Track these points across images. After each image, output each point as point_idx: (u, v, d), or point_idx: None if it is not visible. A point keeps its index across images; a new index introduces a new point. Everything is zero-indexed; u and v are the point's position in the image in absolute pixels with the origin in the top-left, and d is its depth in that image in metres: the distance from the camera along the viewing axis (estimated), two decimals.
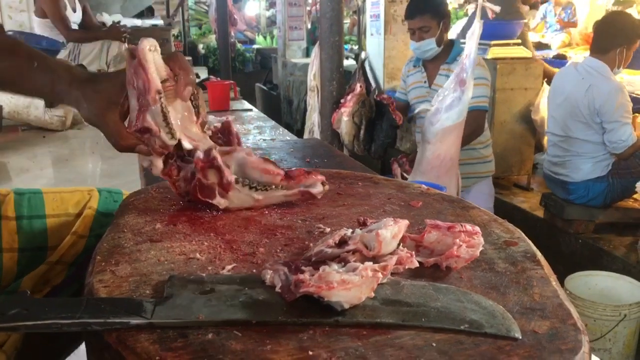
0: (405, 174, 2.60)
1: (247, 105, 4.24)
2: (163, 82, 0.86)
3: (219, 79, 5.25)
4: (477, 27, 2.29)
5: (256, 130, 3.23)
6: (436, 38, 2.94)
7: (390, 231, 0.66)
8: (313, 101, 3.82)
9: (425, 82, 3.09)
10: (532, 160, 4.49)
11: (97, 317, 0.57)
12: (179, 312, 0.58)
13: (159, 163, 0.88)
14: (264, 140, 2.88)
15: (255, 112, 3.93)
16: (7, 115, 3.88)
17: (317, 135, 3.69)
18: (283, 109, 7.94)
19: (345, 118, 2.74)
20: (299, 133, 5.81)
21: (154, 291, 0.63)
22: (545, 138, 4.08)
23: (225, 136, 0.97)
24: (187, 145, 0.87)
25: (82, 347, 1.00)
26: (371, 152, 2.72)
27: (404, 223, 0.69)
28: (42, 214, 0.98)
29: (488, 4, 2.27)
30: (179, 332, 0.56)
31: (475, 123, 2.87)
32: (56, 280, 0.95)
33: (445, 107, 2.29)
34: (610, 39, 3.23)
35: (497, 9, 2.33)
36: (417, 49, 3.01)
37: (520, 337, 0.57)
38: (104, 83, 0.90)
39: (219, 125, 0.98)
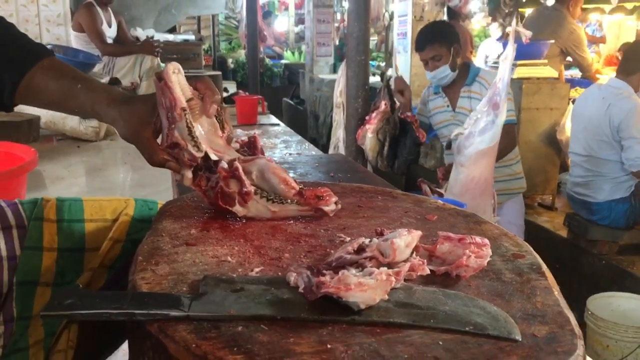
0: (436, 188, 2.65)
1: (274, 119, 4.34)
2: (188, 100, 0.96)
3: (247, 93, 5.38)
4: (510, 51, 2.34)
5: (283, 144, 3.32)
6: (449, 64, 3.01)
7: (404, 240, 0.73)
8: (339, 117, 3.90)
9: (448, 106, 3.16)
10: (556, 180, 4.49)
11: (141, 308, 0.64)
12: (212, 307, 0.65)
13: (188, 175, 0.97)
14: (290, 154, 2.97)
15: (282, 126, 4.03)
16: (43, 126, 4.04)
17: (341, 150, 3.77)
18: (309, 124, 8.04)
19: (369, 135, 2.81)
20: (325, 148, 5.90)
21: (190, 288, 0.71)
22: (570, 158, 4.10)
23: (250, 150, 1.05)
24: (212, 156, 0.96)
25: (121, 348, 1.08)
26: (394, 168, 2.78)
27: (417, 234, 0.76)
28: (81, 218, 1.06)
29: (521, 29, 2.32)
30: (212, 324, 0.63)
31: (507, 137, 2.91)
32: (98, 284, 1.03)
33: (479, 130, 2.34)
34: (635, 62, 3.25)
35: (529, 34, 2.39)
36: (433, 77, 3.09)
37: (520, 339, 0.63)
38: (138, 104, 1.00)
39: (245, 138, 1.06)
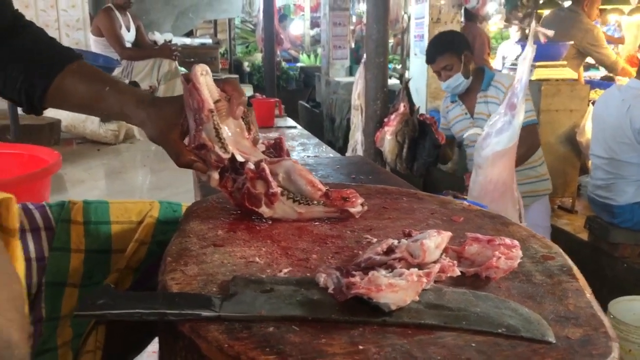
0: (462, 196, 2.63)
1: (291, 122, 4.35)
2: (216, 102, 0.96)
3: (264, 96, 5.39)
4: (529, 52, 2.30)
5: (300, 147, 3.32)
6: (462, 72, 3.00)
7: (434, 241, 0.72)
8: (357, 120, 3.90)
9: (466, 113, 3.15)
10: (576, 183, 4.45)
11: (172, 308, 0.64)
12: (243, 308, 0.65)
13: (215, 176, 0.97)
14: (308, 156, 2.97)
15: (299, 129, 4.04)
16: (64, 129, 4.09)
17: (359, 153, 3.77)
18: (325, 127, 8.04)
19: (388, 137, 2.81)
20: (341, 151, 5.89)
21: (220, 289, 0.71)
22: (590, 160, 4.06)
23: (276, 151, 1.05)
24: (239, 158, 0.96)
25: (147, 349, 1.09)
26: (413, 170, 2.78)
27: (446, 234, 0.75)
28: (107, 220, 1.07)
29: (541, 29, 2.28)
30: (243, 325, 0.63)
31: (530, 138, 2.89)
32: (124, 286, 1.04)
33: (496, 131, 2.31)
34: None
35: (550, 33, 2.35)
36: (447, 87, 3.08)
37: (554, 342, 0.62)
38: (165, 106, 1.01)
39: (272, 140, 1.06)
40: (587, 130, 4.16)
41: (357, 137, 3.87)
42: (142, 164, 3.70)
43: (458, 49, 3.02)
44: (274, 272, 0.76)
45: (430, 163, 2.74)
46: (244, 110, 0.98)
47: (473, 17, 6.00)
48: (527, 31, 6.41)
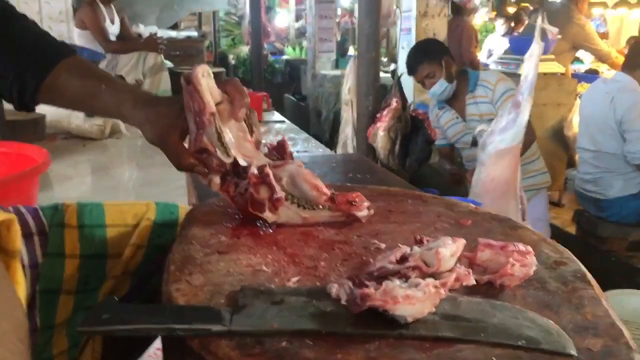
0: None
1: (278, 116, 4.32)
2: (217, 104, 0.93)
3: (250, 90, 5.35)
4: (536, 49, 2.28)
5: (289, 142, 3.29)
6: (445, 77, 2.99)
7: (450, 250, 0.70)
8: (347, 115, 3.89)
9: (457, 117, 3.13)
10: (564, 176, 4.48)
11: (181, 323, 0.61)
12: (254, 321, 0.63)
13: (216, 180, 0.94)
14: (297, 152, 2.94)
15: (287, 123, 4.02)
16: (48, 124, 4.01)
17: (349, 148, 3.75)
18: (312, 120, 8.00)
19: (381, 132, 2.80)
20: (327, 145, 5.86)
21: (228, 300, 0.68)
22: (578, 154, 4.08)
23: (279, 154, 1.02)
24: (242, 162, 0.93)
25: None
26: (406, 166, 2.77)
27: (461, 242, 0.73)
28: (102, 223, 1.03)
29: (547, 26, 2.27)
30: (255, 340, 0.60)
31: (526, 131, 2.88)
32: (122, 292, 1.00)
33: (500, 129, 2.29)
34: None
35: (556, 30, 2.34)
36: (434, 94, 3.07)
37: (576, 354, 0.61)
38: (164, 106, 0.97)
39: (274, 143, 1.03)
40: (575, 124, 4.19)
41: (347, 132, 3.85)
42: (129, 159, 3.65)
43: (436, 56, 3.01)
44: (283, 282, 0.74)
45: (423, 159, 2.73)
46: (246, 112, 0.95)
47: (460, 10, 6.00)
48: (512, 24, 6.43)
